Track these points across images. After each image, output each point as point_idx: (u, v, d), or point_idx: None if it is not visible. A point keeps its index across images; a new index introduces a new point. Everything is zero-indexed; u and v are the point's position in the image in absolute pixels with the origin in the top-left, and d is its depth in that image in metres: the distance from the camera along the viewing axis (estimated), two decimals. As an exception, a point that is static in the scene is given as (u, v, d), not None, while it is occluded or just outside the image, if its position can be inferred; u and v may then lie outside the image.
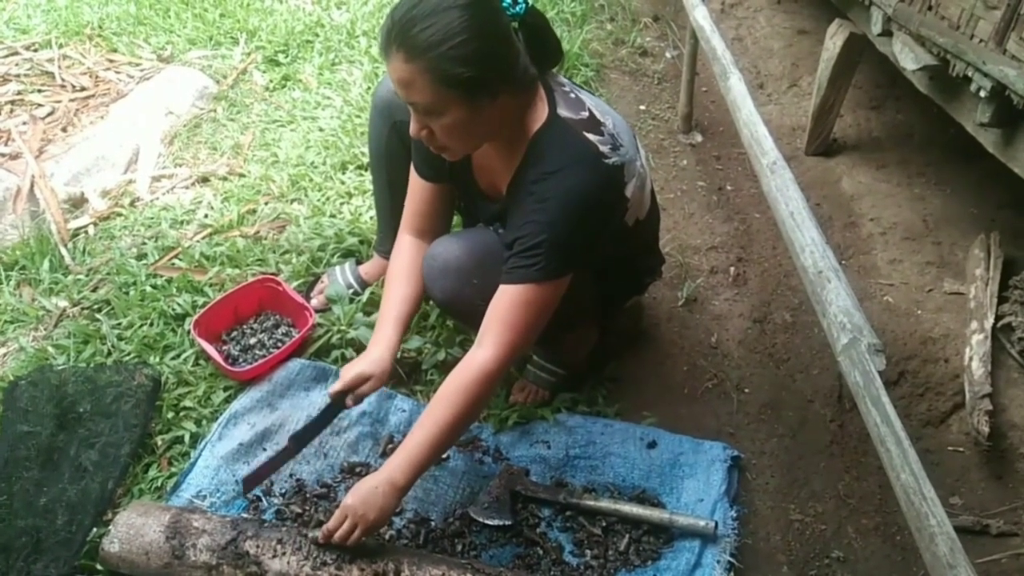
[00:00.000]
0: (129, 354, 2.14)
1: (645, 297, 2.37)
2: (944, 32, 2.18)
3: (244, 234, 2.55)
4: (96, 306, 2.30)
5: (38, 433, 1.89)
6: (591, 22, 4.00)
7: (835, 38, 2.84)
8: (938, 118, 2.70)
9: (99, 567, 1.67)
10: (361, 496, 1.54)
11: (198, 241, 2.53)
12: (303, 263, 2.40)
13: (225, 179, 2.88)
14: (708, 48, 2.73)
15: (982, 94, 2.02)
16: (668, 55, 3.91)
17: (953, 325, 2.34)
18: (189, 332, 2.15)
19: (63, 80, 3.38)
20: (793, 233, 1.83)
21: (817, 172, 3.08)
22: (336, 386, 1.77)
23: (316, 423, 1.82)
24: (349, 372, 1.78)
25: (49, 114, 3.18)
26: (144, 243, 2.53)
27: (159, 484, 1.87)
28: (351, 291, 2.30)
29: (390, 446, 1.98)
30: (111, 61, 3.55)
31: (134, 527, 1.63)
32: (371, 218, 2.57)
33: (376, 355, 1.79)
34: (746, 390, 2.23)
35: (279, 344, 2.17)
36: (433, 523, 1.83)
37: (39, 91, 3.31)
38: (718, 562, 1.76)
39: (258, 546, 1.59)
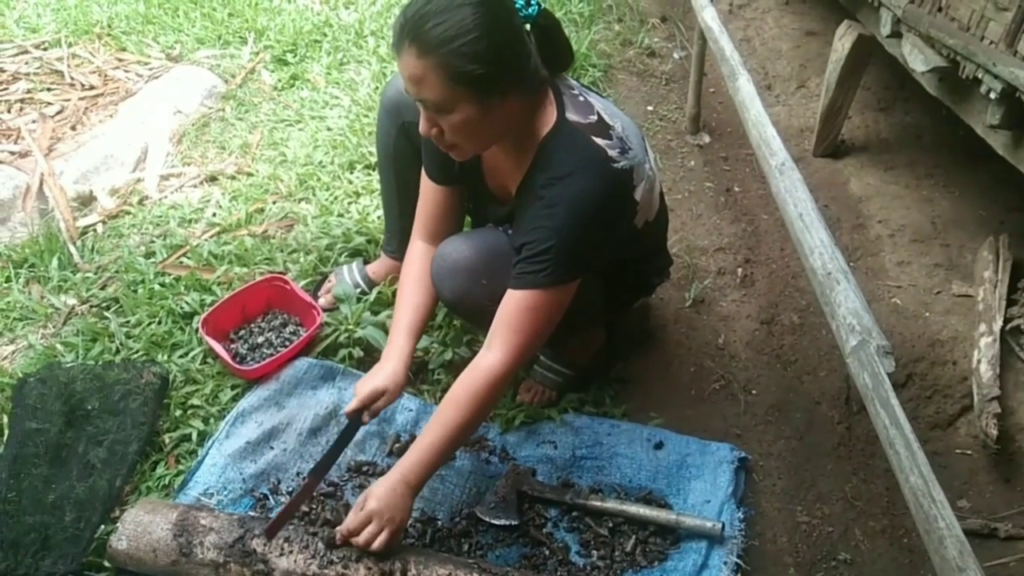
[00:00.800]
0: (137, 352, 2.14)
1: (652, 298, 2.37)
2: (954, 34, 2.17)
3: (252, 233, 2.55)
4: (105, 304, 2.31)
5: (47, 430, 1.90)
6: (599, 23, 4.00)
7: (844, 39, 2.83)
8: (947, 120, 2.69)
9: (107, 564, 1.68)
10: (384, 499, 1.55)
11: (206, 240, 2.54)
12: (311, 262, 2.41)
13: (233, 178, 2.88)
14: (717, 49, 2.72)
15: (992, 96, 2.02)
16: (676, 56, 3.90)
17: (961, 327, 2.33)
18: (197, 330, 2.16)
19: (72, 79, 3.39)
20: (802, 235, 1.82)
21: (825, 174, 3.07)
22: (353, 405, 1.76)
23: (334, 449, 1.77)
24: (364, 388, 1.76)
25: (58, 112, 3.20)
26: (152, 241, 2.54)
27: (167, 482, 1.88)
28: (358, 290, 2.30)
29: (397, 445, 1.98)
30: (120, 60, 3.57)
31: (142, 524, 1.64)
32: (379, 218, 2.57)
33: (389, 368, 1.78)
34: (753, 392, 2.23)
35: (287, 343, 2.17)
36: (440, 522, 1.83)
37: (48, 89, 3.33)
38: (725, 563, 1.75)
39: (265, 544, 1.59)
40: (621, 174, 1.60)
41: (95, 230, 2.65)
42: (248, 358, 2.15)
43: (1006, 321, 2.25)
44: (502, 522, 1.80)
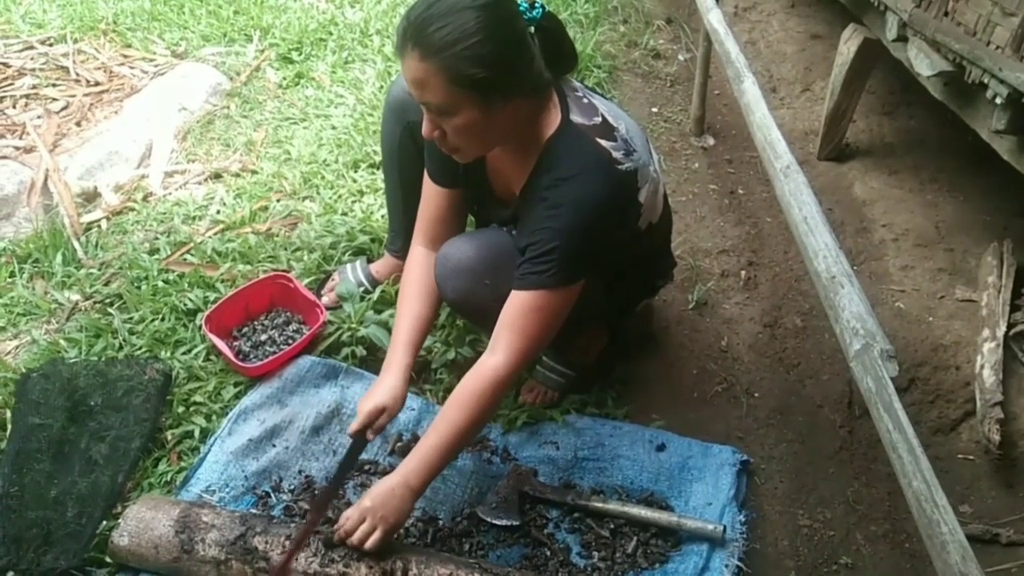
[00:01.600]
0: (140, 348, 2.15)
1: (655, 300, 2.37)
2: (960, 38, 2.17)
3: (256, 230, 2.56)
4: (108, 300, 2.31)
5: (49, 426, 1.90)
6: (604, 24, 4.00)
7: (849, 43, 2.83)
8: (951, 125, 2.69)
9: (108, 560, 1.68)
10: (381, 499, 1.55)
11: (210, 237, 2.54)
12: (314, 260, 2.41)
13: (238, 175, 2.89)
14: (722, 51, 2.72)
15: (998, 101, 2.01)
16: (681, 58, 3.90)
17: (965, 332, 2.32)
18: (200, 327, 2.16)
19: (78, 75, 3.39)
20: (806, 238, 1.82)
21: (829, 177, 3.07)
22: (355, 425, 1.74)
23: (340, 475, 1.77)
24: (365, 407, 1.74)
25: (63, 108, 3.20)
26: (156, 238, 2.55)
27: (169, 478, 1.88)
28: (362, 289, 2.30)
29: (399, 444, 1.99)
30: (125, 56, 3.57)
31: (143, 521, 1.64)
32: (383, 216, 2.57)
33: (389, 383, 1.77)
34: (756, 394, 2.23)
35: (290, 341, 2.18)
36: (441, 522, 1.83)
37: (54, 85, 3.33)
38: (726, 566, 1.75)
39: (267, 542, 1.59)
40: (625, 176, 1.60)
41: (99, 226, 2.65)
42: (251, 355, 2.15)
43: (1010, 326, 2.25)
44: (503, 522, 1.80)
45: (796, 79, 3.68)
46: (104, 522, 1.74)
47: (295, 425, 2.00)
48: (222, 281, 2.34)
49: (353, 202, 2.70)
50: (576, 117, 1.60)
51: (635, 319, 2.29)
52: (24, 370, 2.06)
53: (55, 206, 2.68)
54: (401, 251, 2.20)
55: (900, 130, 3.27)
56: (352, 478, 1.91)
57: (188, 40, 3.69)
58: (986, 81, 2.06)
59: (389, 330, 2.16)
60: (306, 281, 2.32)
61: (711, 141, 3.33)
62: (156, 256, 2.45)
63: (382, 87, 3.28)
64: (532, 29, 1.52)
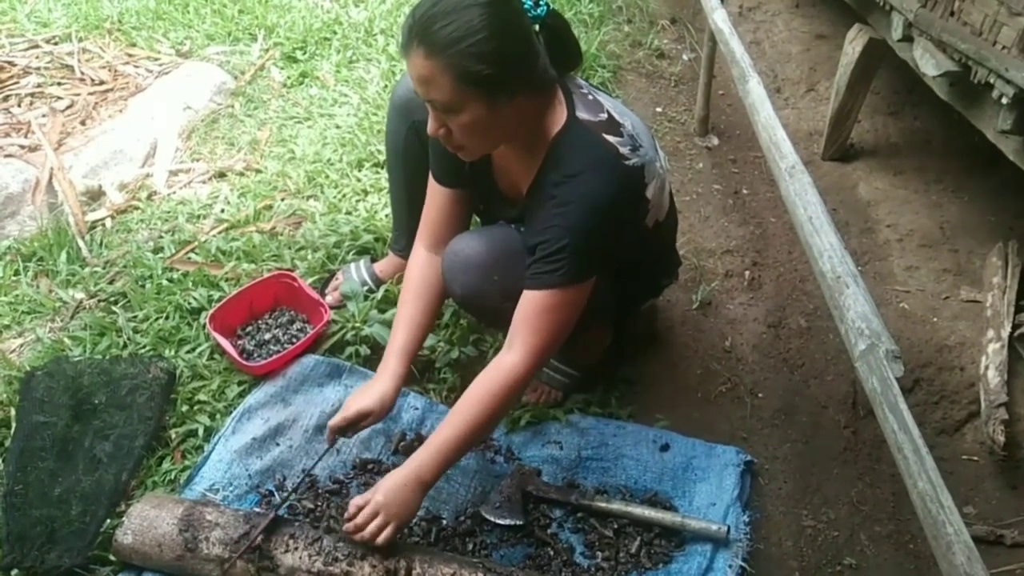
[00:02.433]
0: (145, 347, 2.15)
1: (660, 300, 2.37)
2: (966, 38, 2.16)
3: (260, 229, 2.56)
4: (112, 298, 2.32)
5: (53, 424, 1.91)
6: (608, 23, 3.99)
7: (854, 43, 2.82)
8: (957, 125, 2.69)
9: (112, 558, 1.68)
10: (393, 494, 1.56)
11: (214, 236, 2.54)
12: (318, 259, 2.41)
13: (242, 175, 2.89)
14: (727, 51, 2.72)
15: (1004, 101, 2.01)
16: (685, 57, 3.90)
17: (969, 333, 2.32)
18: (204, 326, 2.16)
19: (82, 73, 3.40)
20: (811, 238, 1.82)
21: (834, 177, 3.07)
22: (337, 420, 1.74)
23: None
24: (352, 407, 1.74)
25: (68, 107, 3.21)
26: (161, 237, 2.55)
27: (172, 477, 1.88)
28: (366, 288, 2.30)
29: (402, 443, 1.98)
30: (130, 55, 3.57)
31: (147, 519, 1.64)
32: (387, 216, 2.57)
33: (379, 390, 1.76)
34: (760, 395, 2.22)
35: (293, 340, 2.18)
36: (445, 521, 1.83)
37: (59, 84, 3.33)
38: (730, 567, 1.75)
39: (270, 540, 1.59)
40: (633, 171, 1.60)
41: (104, 225, 2.66)
42: (255, 354, 2.16)
43: (1014, 327, 2.24)
44: (507, 522, 1.79)
45: (801, 79, 3.67)
46: (108, 520, 1.75)
47: (299, 424, 2.00)
48: (226, 280, 2.34)
49: (357, 201, 2.70)
50: (582, 114, 1.60)
51: (639, 319, 2.29)
52: (28, 368, 2.06)
53: (60, 204, 2.68)
54: (405, 250, 2.20)
55: (905, 130, 3.26)
56: (356, 477, 1.91)
57: (193, 39, 3.69)
58: (992, 81, 2.05)
59: (393, 329, 2.17)
60: (310, 280, 2.32)
61: (715, 141, 3.32)
62: (160, 255, 2.45)
63: (386, 86, 3.28)
64: (537, 27, 1.52)
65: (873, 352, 1.50)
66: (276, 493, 1.86)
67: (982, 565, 1.18)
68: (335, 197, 2.71)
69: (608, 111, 1.63)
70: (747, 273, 2.62)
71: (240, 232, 2.55)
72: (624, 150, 1.58)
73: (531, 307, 1.59)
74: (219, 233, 2.56)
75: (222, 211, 2.68)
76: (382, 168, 2.81)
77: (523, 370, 1.59)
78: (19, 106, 3.18)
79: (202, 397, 2.04)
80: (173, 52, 3.60)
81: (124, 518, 1.67)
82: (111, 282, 2.38)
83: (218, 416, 2.01)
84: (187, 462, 1.91)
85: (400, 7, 3.95)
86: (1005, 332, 2.23)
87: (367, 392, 1.77)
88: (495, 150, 1.70)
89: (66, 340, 2.17)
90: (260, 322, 2.25)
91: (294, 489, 1.82)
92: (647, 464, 1.96)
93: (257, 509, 1.80)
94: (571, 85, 1.65)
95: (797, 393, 2.24)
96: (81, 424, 1.93)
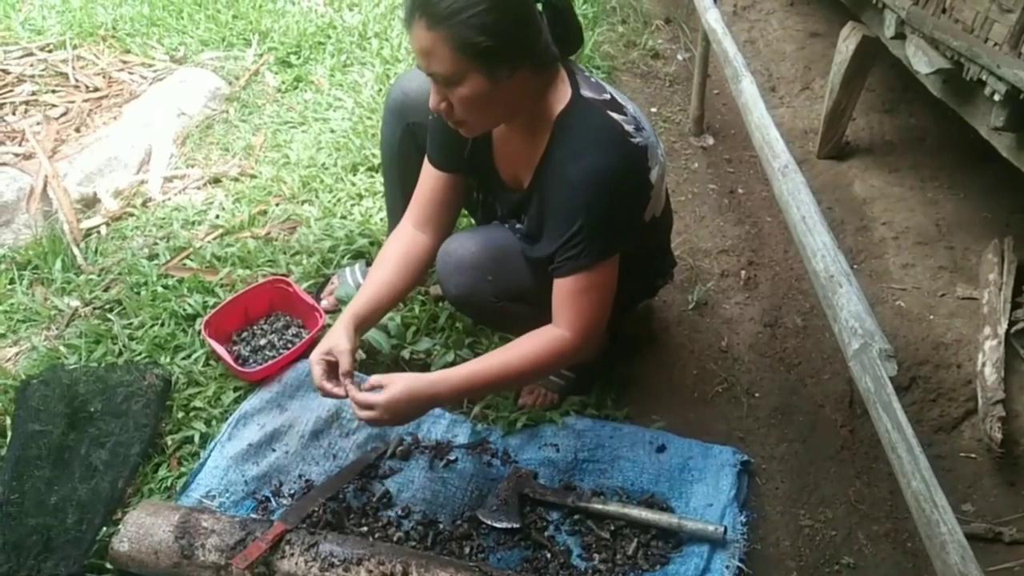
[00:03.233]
0: (140, 354, 2.15)
1: (655, 300, 2.36)
2: (958, 35, 2.16)
3: (255, 235, 2.56)
4: (108, 306, 2.32)
5: (49, 432, 1.90)
6: (603, 24, 4.00)
7: (848, 41, 2.82)
8: (952, 122, 2.68)
9: (108, 566, 1.68)
10: (402, 403, 1.59)
11: (209, 242, 2.54)
12: (313, 264, 2.41)
13: (237, 180, 2.89)
14: (720, 51, 2.72)
15: (996, 98, 2.00)
16: (680, 57, 3.90)
17: (966, 330, 2.32)
18: (200, 332, 2.16)
19: (77, 81, 3.40)
20: (804, 237, 1.82)
21: (829, 175, 3.07)
22: (316, 379, 1.69)
23: (330, 485, 1.84)
24: (313, 358, 1.70)
25: (63, 114, 3.21)
26: (156, 243, 2.55)
27: (169, 484, 1.88)
28: (361, 292, 2.30)
29: (400, 448, 1.98)
30: (124, 62, 3.58)
31: (143, 526, 1.64)
32: (382, 219, 2.57)
33: (331, 331, 1.73)
34: (756, 394, 2.22)
35: (289, 345, 2.17)
36: (441, 525, 1.83)
37: (53, 91, 3.34)
38: (727, 567, 1.75)
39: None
40: (638, 149, 1.61)
41: (99, 232, 2.66)
42: (250, 360, 2.15)
43: (1011, 324, 2.24)
44: (504, 525, 1.79)
45: (796, 77, 3.67)
46: (104, 528, 1.74)
47: (295, 430, 1.99)
48: (221, 286, 2.34)
49: (352, 205, 2.70)
50: (586, 92, 1.61)
51: (635, 320, 2.28)
52: (24, 377, 2.06)
53: (54, 212, 2.68)
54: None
55: (900, 128, 3.26)
56: (353, 481, 1.91)
57: (187, 45, 3.70)
58: (984, 78, 2.05)
59: (388, 334, 2.17)
60: (305, 285, 2.32)
61: (710, 141, 3.32)
62: (155, 261, 2.45)
63: (380, 90, 3.28)
64: (540, 6, 1.53)
65: (866, 351, 1.50)
66: (273, 499, 1.86)
67: (976, 565, 1.17)
68: (330, 201, 2.71)
69: (611, 93, 1.65)
70: (743, 272, 2.62)
71: (235, 238, 2.55)
72: (629, 128, 1.59)
73: (565, 292, 1.62)
74: (214, 239, 2.56)
75: (217, 217, 2.68)
76: (377, 172, 2.82)
77: (571, 343, 1.63)
78: (14, 114, 3.18)
79: (198, 403, 2.04)
80: (167, 58, 3.61)
81: (120, 526, 1.66)
82: (106, 289, 2.38)
83: (214, 422, 2.01)
84: (183, 469, 1.91)
85: (394, 10, 3.96)
86: (1001, 329, 2.22)
87: (324, 341, 1.73)
88: (496, 128, 1.71)
89: (61, 348, 2.17)
90: (255, 328, 2.25)
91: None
92: (644, 465, 1.96)
93: (254, 516, 1.80)
94: (574, 67, 1.66)
95: (794, 392, 2.23)
96: (77, 432, 1.93)
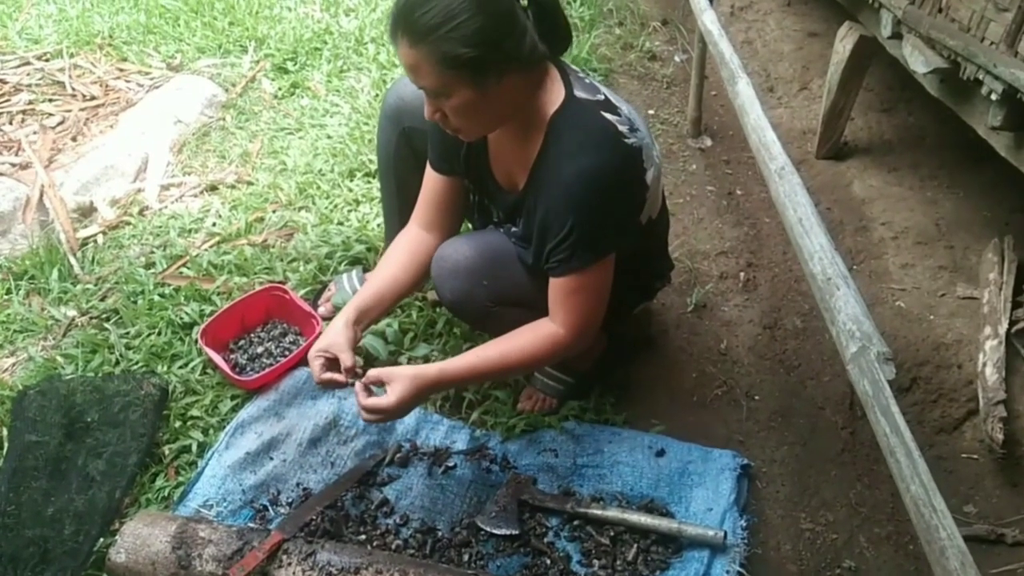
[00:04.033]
0: (137, 363, 2.14)
1: (654, 303, 2.35)
2: (954, 35, 2.15)
3: (252, 242, 2.55)
4: (104, 315, 2.31)
5: (46, 443, 1.90)
6: (599, 26, 3.98)
7: (845, 41, 2.81)
8: (950, 121, 2.67)
9: (105, 577, 1.67)
10: (403, 402, 1.63)
11: (206, 250, 2.53)
12: (310, 271, 2.40)
13: (233, 187, 2.88)
14: (716, 53, 2.71)
15: (993, 97, 2.00)
16: (677, 59, 3.89)
17: (966, 330, 2.30)
18: (197, 341, 2.15)
19: (73, 89, 3.40)
20: (801, 239, 1.81)
21: (828, 176, 3.06)
22: (316, 376, 1.74)
23: (331, 491, 1.86)
24: (312, 356, 1.74)
25: (59, 123, 3.21)
26: (152, 252, 2.54)
27: (166, 494, 1.87)
28: (358, 299, 2.29)
29: (398, 455, 1.97)
30: (121, 70, 3.58)
31: (140, 537, 1.63)
32: (379, 225, 2.56)
33: (328, 330, 1.78)
34: (756, 397, 2.21)
35: (286, 353, 2.17)
36: (440, 532, 1.82)
37: (50, 100, 3.34)
38: (727, 572, 1.74)
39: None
40: (632, 150, 1.60)
41: (95, 241, 2.66)
42: (247, 368, 2.15)
43: (1011, 324, 2.23)
44: (503, 532, 1.78)
45: (794, 78, 3.66)
46: (101, 539, 1.74)
47: (292, 438, 1.99)
48: (218, 294, 2.33)
49: (349, 212, 2.69)
50: (580, 93, 1.61)
51: (633, 323, 2.27)
52: (21, 387, 2.06)
53: (51, 222, 2.68)
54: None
55: (899, 127, 3.25)
56: (351, 489, 1.90)
57: (183, 52, 3.69)
58: (981, 77, 2.04)
59: (386, 340, 2.16)
60: (302, 292, 2.32)
61: (708, 142, 3.31)
62: (152, 270, 2.45)
63: (377, 96, 3.27)
64: (525, 2, 1.52)
65: (864, 354, 1.49)
66: (270, 508, 1.85)
67: (976, 570, 1.16)
68: (326, 208, 2.70)
69: (605, 94, 1.65)
70: (742, 275, 2.61)
71: (232, 245, 2.54)
72: (623, 128, 1.59)
73: (560, 291, 1.65)
74: (211, 247, 2.55)
75: (213, 225, 2.67)
76: (373, 178, 2.81)
77: (564, 338, 1.67)
78: (10, 124, 3.18)
79: (195, 412, 2.03)
80: (164, 66, 3.61)
81: (117, 536, 1.66)
82: (103, 299, 2.38)
83: (211, 431, 2.00)
84: (181, 478, 1.90)
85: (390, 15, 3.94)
86: (1002, 329, 2.21)
87: (321, 338, 1.78)
88: (492, 132, 1.71)
89: (58, 358, 2.17)
90: (252, 336, 2.24)
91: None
92: (643, 470, 1.95)
93: (252, 525, 1.79)
94: (567, 67, 1.66)
95: (794, 395, 2.22)
96: (74, 442, 1.92)
